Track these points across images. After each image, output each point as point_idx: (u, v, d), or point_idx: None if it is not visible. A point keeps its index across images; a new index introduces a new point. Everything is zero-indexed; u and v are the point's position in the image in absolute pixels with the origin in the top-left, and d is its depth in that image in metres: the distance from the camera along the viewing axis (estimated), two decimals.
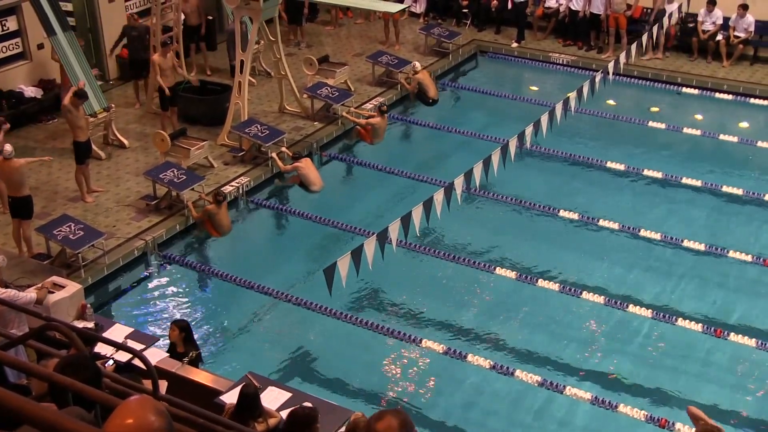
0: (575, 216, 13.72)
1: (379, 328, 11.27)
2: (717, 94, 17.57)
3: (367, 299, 12.05)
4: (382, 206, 14.12)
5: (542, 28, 20.29)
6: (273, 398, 8.25)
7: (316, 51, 19.11)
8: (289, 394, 8.36)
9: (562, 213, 13.81)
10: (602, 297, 11.86)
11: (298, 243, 13.33)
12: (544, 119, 13.66)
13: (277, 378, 9.86)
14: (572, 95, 14.35)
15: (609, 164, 15.19)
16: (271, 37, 16.25)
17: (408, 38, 20.36)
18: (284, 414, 7.89)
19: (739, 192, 14.24)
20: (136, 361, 7.28)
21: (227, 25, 17.87)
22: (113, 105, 15.65)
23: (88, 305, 9.71)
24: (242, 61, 15.47)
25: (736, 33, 18.33)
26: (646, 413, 9.76)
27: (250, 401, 7.55)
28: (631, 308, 11.64)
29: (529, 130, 13.38)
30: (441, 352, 10.90)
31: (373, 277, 11.93)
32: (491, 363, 10.66)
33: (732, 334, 11.09)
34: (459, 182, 12.08)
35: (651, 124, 16.64)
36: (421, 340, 11.05)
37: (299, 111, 16.77)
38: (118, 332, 9.15)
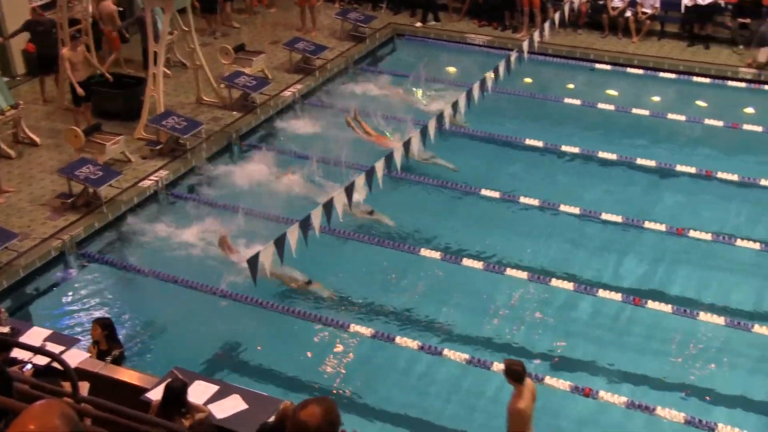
0: (497, 195, 13.87)
1: (306, 315, 11.23)
2: (628, 69, 17.97)
3: (294, 288, 11.98)
4: (305, 194, 14.03)
5: (457, 10, 20.42)
6: (200, 392, 8.14)
7: (232, 40, 18.88)
8: (216, 387, 8.27)
9: (484, 192, 13.94)
10: (526, 273, 12.04)
11: None
12: (462, 100, 13.77)
13: (204, 372, 9.76)
14: (489, 75, 14.48)
15: (528, 142, 15.40)
16: (184, 27, 15.97)
17: (324, 24, 20.26)
18: (212, 408, 7.83)
19: (653, 164, 14.60)
20: (57, 364, 7.11)
21: (137, 13, 17.52)
22: (21, 102, 15.20)
23: (3, 309, 9.42)
24: (155, 53, 15.18)
25: (643, 9, 18.79)
26: (570, 384, 9.97)
27: (175, 397, 7.45)
28: (554, 282, 11.85)
29: (447, 111, 13.45)
30: (369, 335, 10.92)
31: (299, 265, 11.86)
32: (419, 344, 10.72)
33: (650, 301, 11.38)
34: (380, 166, 12.06)
35: (567, 100, 16.91)
36: (349, 325, 11.06)
37: (217, 101, 16.56)
38: (36, 336, 8.89)
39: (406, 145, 12.56)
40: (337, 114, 16.49)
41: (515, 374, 8.18)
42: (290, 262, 10.91)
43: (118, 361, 9.11)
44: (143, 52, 16.72)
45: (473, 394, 10.27)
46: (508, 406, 8.25)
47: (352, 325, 11.06)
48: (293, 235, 10.55)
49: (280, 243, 10.42)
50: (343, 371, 10.64)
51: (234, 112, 16.24)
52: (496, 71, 14.70)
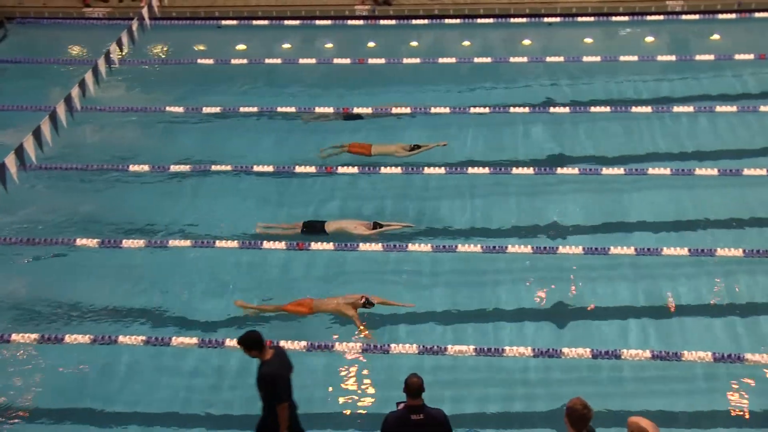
0: (147, 168, 13.47)
1: None
2: (254, 22, 18.13)
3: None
4: None
5: None
6: None
7: None
8: None
9: (133, 167, 13.48)
10: (190, 241, 12.00)
11: None
12: (89, 77, 13.23)
13: None
14: (113, 47, 14.05)
15: (169, 108, 15.07)
16: None
17: None
18: None
19: (293, 109, 14.97)
20: None
21: None
22: None
23: None
24: None
25: None
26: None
27: None
28: (219, 243, 11.92)
29: (75, 91, 12.88)
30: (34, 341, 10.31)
31: None
32: (91, 337, 10.31)
33: (314, 243, 11.89)
34: (11, 161, 11.28)
35: (200, 61, 16.77)
36: (9, 336, 10.32)
37: None
38: None
39: (37, 133, 11.83)
40: None
41: None
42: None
43: None
44: None
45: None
46: None
47: (13, 334, 10.33)
48: None
49: None
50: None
51: None
52: (119, 43, 14.30)
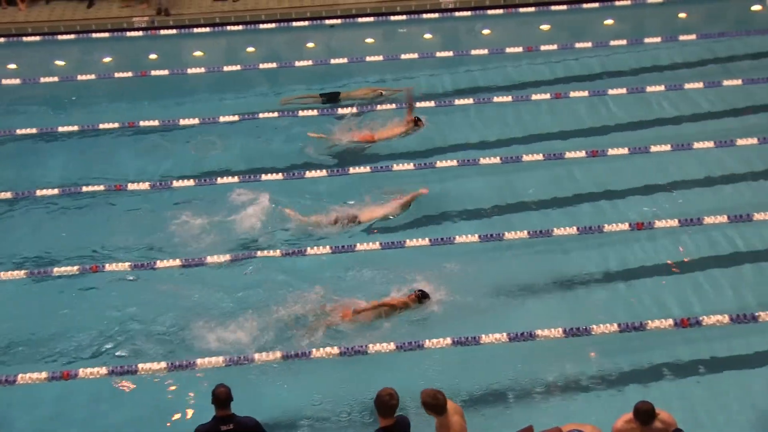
0: None
1: None
2: (24, 38, 17.29)
3: None
4: None
5: None
6: None
7: None
8: None
9: None
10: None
11: None
12: None
13: None
14: None
15: None
16: None
17: None
18: None
19: (75, 128, 14.44)
20: None
21: None
22: None
23: None
24: None
25: None
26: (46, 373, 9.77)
27: None
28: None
29: None
30: None
31: None
32: None
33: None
34: None
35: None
36: None
37: None
38: None
39: None
40: None
41: None
42: None
43: None
44: None
45: None
46: None
47: None
48: None
49: None
50: None
51: None
52: None
